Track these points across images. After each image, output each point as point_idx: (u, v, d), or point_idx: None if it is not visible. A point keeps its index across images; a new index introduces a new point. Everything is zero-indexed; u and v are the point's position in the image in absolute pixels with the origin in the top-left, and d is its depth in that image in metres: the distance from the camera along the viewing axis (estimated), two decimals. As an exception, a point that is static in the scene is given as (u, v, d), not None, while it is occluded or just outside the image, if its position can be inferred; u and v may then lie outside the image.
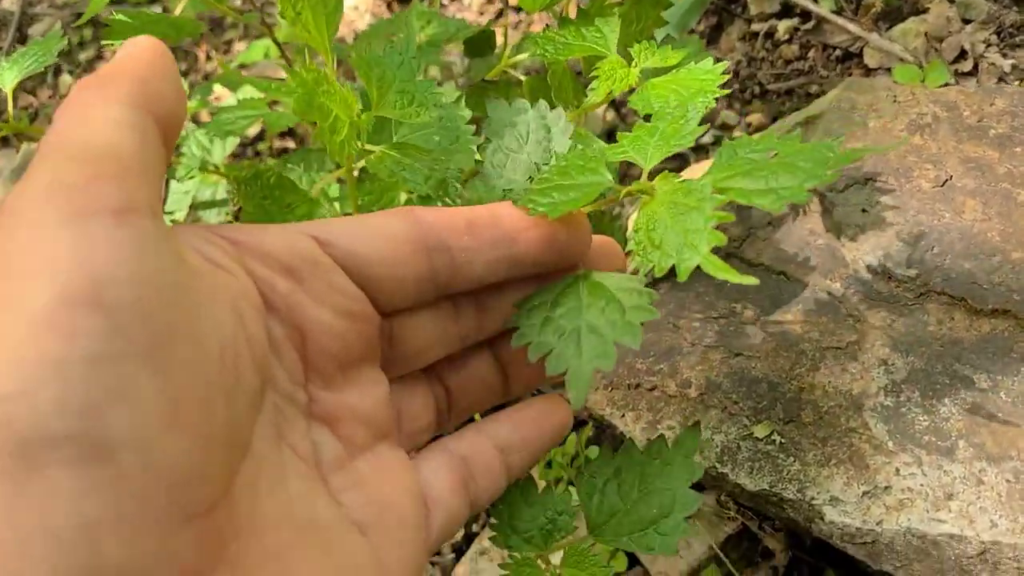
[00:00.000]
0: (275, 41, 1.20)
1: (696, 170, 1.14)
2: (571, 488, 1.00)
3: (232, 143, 1.22)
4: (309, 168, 1.08)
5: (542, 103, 0.63)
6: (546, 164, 0.63)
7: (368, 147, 0.71)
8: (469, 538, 1.03)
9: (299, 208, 0.71)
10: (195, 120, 1.51)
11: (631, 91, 0.80)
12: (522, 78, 1.02)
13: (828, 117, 0.98)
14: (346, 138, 0.64)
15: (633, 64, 0.81)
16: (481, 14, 1.70)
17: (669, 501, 0.61)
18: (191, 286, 0.35)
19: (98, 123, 0.35)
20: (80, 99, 0.36)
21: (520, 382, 0.56)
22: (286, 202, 0.70)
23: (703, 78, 0.77)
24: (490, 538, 0.60)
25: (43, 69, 0.88)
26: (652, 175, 0.53)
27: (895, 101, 0.98)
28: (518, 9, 1.69)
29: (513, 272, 0.51)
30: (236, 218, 1.21)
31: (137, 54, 0.38)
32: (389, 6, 1.78)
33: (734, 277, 0.45)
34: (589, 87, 0.83)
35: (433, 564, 1.02)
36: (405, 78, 0.65)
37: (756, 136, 0.52)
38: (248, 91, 1.31)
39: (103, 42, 0.89)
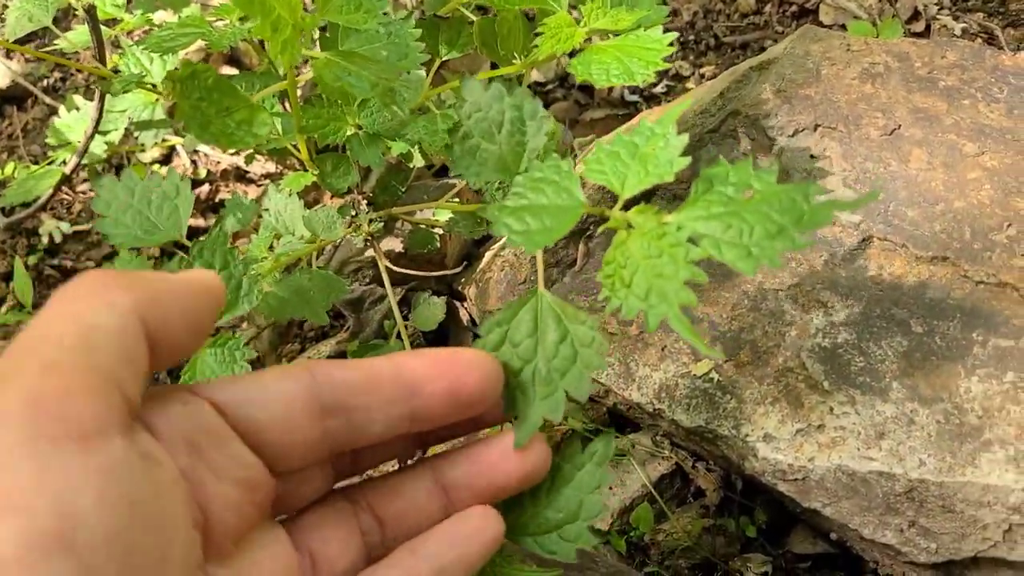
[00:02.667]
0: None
1: (648, 117, 1.13)
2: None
3: (173, 62, 1.17)
4: (251, 90, 1.04)
5: (520, 91, 0.61)
6: (518, 160, 0.61)
7: (312, 53, 0.68)
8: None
9: (238, 112, 0.68)
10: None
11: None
12: (474, 18, 1.00)
13: (782, 63, 0.97)
14: (288, 39, 0.61)
15: (581, 24, 0.79)
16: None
17: (575, 507, 0.60)
18: (159, 503, 0.34)
19: (88, 323, 0.34)
20: (82, 291, 0.35)
21: (463, 505, 0.51)
22: (224, 105, 0.67)
23: (649, 47, 0.76)
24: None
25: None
26: (628, 204, 0.52)
27: (848, 50, 0.98)
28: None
29: (415, 427, 0.47)
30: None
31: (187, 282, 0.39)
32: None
33: (703, 347, 0.45)
34: (534, 42, 0.82)
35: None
36: None
37: (733, 168, 0.50)
38: (193, 10, 1.26)
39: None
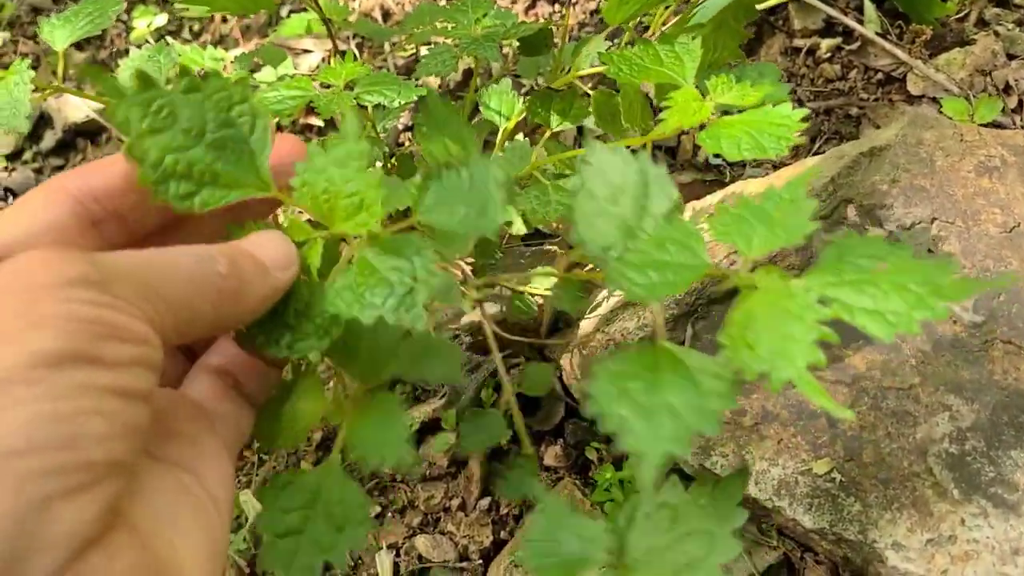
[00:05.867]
0: (324, 19, 1.16)
1: (739, 188, 1.13)
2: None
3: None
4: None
5: (644, 155, 0.61)
6: (641, 224, 0.60)
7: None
8: (497, 545, 1.02)
9: None
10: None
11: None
12: (589, 91, 1.00)
13: (895, 151, 0.97)
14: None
15: (708, 98, 0.79)
16: (514, 2, 1.67)
17: (707, 544, 0.60)
18: None
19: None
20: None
21: None
22: None
23: (780, 123, 0.75)
24: (513, 558, 0.58)
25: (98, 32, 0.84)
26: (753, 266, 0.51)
27: (962, 140, 0.98)
28: (551, 0, 1.66)
29: None
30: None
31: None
32: (418, -18, 1.74)
33: (830, 405, 0.44)
34: (659, 116, 0.81)
35: (463, 571, 1.00)
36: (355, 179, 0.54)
37: (865, 239, 0.50)
38: (288, 66, 1.27)
39: (176, 3, 0.86)
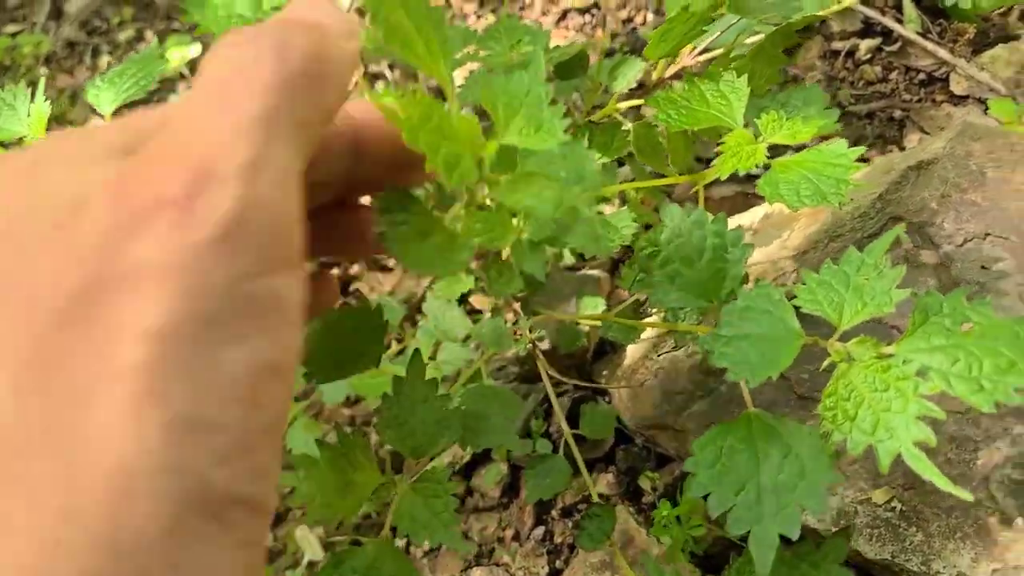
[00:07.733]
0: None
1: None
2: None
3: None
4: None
5: (723, 218, 0.60)
6: (719, 287, 0.60)
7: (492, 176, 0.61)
8: (553, 574, 1.02)
9: (435, 236, 0.63)
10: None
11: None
12: (628, 124, 0.99)
13: (943, 164, 0.95)
14: (465, 171, 0.55)
15: (760, 139, 0.78)
16: (544, 14, 1.66)
17: None
18: None
19: None
20: None
21: None
22: (420, 228, 0.62)
23: (835, 163, 0.74)
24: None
25: (144, 94, 0.84)
26: (845, 336, 0.52)
27: (1012, 150, 0.95)
28: (582, 11, 1.65)
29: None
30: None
31: None
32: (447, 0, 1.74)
33: (946, 485, 0.44)
34: (713, 160, 0.80)
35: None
36: (533, 104, 0.58)
37: (946, 299, 0.50)
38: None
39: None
